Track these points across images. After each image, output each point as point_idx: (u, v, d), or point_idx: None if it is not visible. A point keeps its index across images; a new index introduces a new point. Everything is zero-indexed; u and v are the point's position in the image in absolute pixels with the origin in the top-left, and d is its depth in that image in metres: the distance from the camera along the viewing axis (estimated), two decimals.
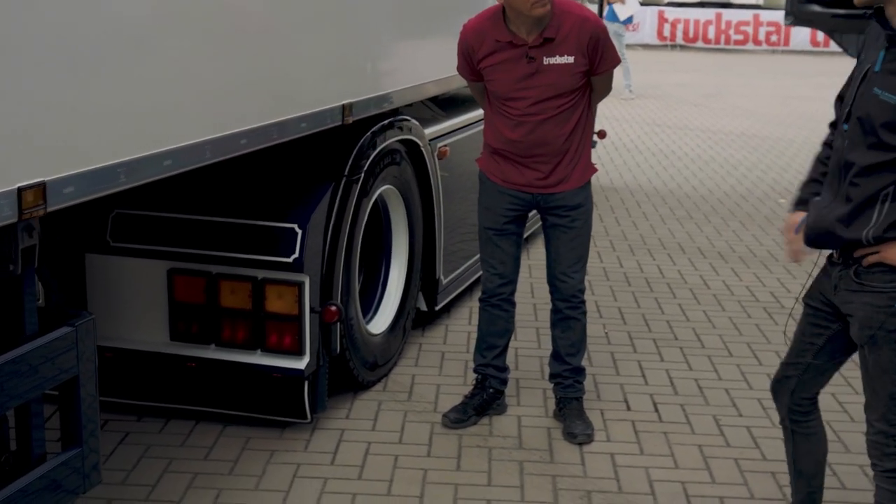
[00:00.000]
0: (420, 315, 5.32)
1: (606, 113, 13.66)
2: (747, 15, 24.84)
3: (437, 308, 5.37)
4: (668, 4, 25.35)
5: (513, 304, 4.39)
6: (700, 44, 25.02)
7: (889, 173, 2.70)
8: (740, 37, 25.02)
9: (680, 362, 5.11)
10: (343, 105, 4.04)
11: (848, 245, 2.83)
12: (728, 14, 25.05)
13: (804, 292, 3.13)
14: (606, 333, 5.49)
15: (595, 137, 9.00)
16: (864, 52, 2.83)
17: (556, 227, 4.20)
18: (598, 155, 10.45)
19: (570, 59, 3.95)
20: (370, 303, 4.86)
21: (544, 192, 4.14)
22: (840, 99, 2.95)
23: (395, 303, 4.94)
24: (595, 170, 4.29)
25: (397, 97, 4.58)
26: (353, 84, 4.18)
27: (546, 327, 4.63)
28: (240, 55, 3.36)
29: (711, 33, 25.14)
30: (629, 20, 15.59)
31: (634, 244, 7.32)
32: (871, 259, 2.80)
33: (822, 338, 3.04)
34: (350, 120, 4.09)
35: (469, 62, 4.11)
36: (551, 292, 4.34)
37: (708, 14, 25.09)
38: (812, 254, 3.07)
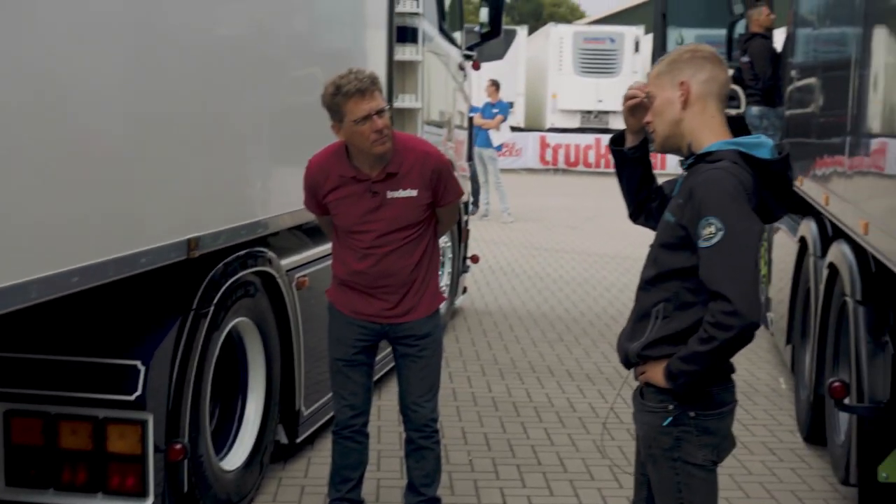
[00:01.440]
0: (281, 448, 5.23)
1: (485, 236, 13.86)
2: None
3: (298, 440, 5.29)
4: (550, 130, 26.05)
5: (366, 435, 4.35)
6: (581, 167, 25.68)
7: (660, 290, 2.88)
8: None
9: (542, 488, 5.10)
10: (189, 239, 4.01)
11: (629, 360, 2.97)
12: (607, 139, 25.55)
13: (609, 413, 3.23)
14: (471, 461, 5.46)
15: (468, 262, 9.14)
16: None
17: (406, 356, 4.21)
18: (474, 279, 10.57)
19: (414, 193, 4.03)
20: (225, 437, 4.76)
21: (393, 322, 4.15)
22: None
23: (251, 437, 4.84)
24: (443, 299, 4.33)
25: (248, 230, 4.58)
26: (200, 217, 4.17)
27: None
28: (71, 187, 3.31)
29: (592, 157, 25.85)
30: (500, 147, 16.11)
31: (504, 368, 7.36)
32: (641, 379, 2.95)
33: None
34: (196, 254, 4.06)
35: (315, 197, 4.16)
36: (404, 422, 4.32)
37: (588, 139, 25.82)
38: None
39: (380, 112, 3.91)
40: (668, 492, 2.93)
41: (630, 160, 3.16)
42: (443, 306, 8.18)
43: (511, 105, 23.16)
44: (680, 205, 2.84)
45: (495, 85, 16.11)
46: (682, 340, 2.82)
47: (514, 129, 21.31)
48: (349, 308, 4.18)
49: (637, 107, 3.05)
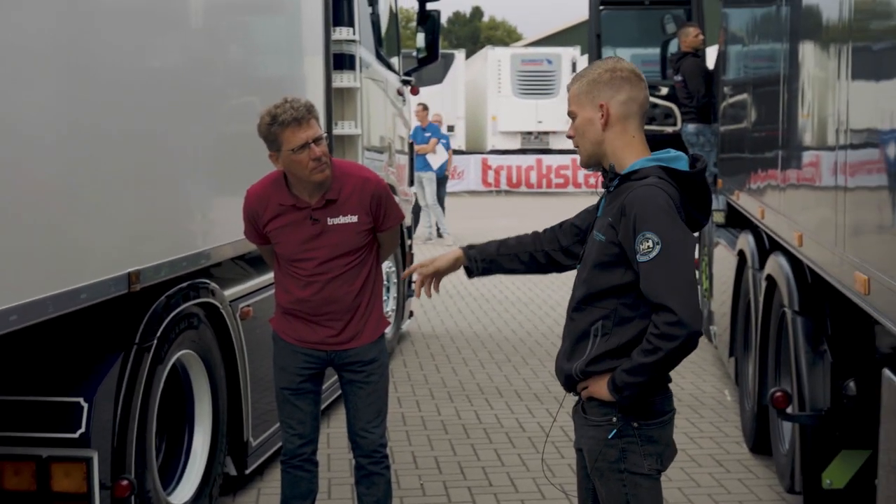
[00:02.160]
0: (230, 480, 5.19)
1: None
2: (566, 160, 25.90)
3: (247, 472, 5.25)
4: (491, 152, 26.19)
5: (315, 463, 4.33)
6: (523, 188, 25.85)
7: (597, 308, 2.94)
8: (561, 180, 26.00)
9: None
10: (129, 273, 3.98)
11: (571, 379, 3.01)
12: (548, 159, 26.05)
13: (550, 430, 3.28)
14: (422, 485, 5.46)
15: (414, 286, 9.14)
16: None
17: (353, 383, 4.21)
18: (420, 302, 10.57)
19: (354, 219, 4.05)
20: (173, 471, 4.71)
21: (338, 349, 4.15)
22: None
23: (199, 470, 4.80)
24: (388, 323, 4.34)
25: (190, 261, 4.55)
26: (140, 249, 4.14)
27: None
28: (7, 223, 3.26)
29: (534, 178, 26.04)
30: (442, 169, 16.25)
31: (453, 390, 7.37)
32: (584, 394, 3.00)
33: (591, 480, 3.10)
34: (138, 287, 4.03)
35: (255, 227, 4.16)
36: (353, 449, 4.31)
37: (529, 160, 26.03)
38: None
39: (317, 140, 3.93)
40: None
41: (490, 270, 3.35)
42: (389, 331, 8.20)
43: (451, 129, 23.28)
44: (610, 223, 2.91)
45: (425, 109, 16.21)
46: (625, 354, 2.89)
47: (455, 152, 21.43)
48: (293, 336, 4.17)
49: (432, 274, 3.36)
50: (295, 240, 4.06)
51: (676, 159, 2.95)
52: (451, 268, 3.38)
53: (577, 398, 3.09)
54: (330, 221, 4.04)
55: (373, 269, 4.18)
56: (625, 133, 2.97)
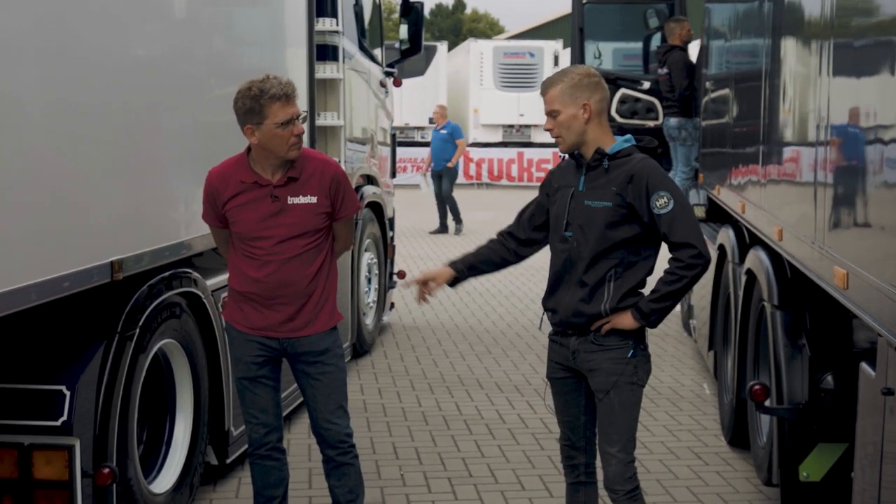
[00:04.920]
0: (211, 469, 5.19)
1: (411, 252, 13.90)
2: (547, 153, 25.93)
3: (228, 461, 5.26)
4: (473, 145, 26.17)
5: (283, 451, 4.34)
6: (505, 181, 25.88)
7: (608, 260, 3.71)
8: (542, 174, 26.01)
9: (474, 500, 5.14)
10: (112, 262, 3.98)
11: (594, 317, 3.72)
12: (529, 153, 26.07)
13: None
14: (402, 475, 5.48)
15: (395, 277, 9.15)
16: (557, 182, 3.86)
17: (307, 375, 4.21)
18: (401, 294, 10.59)
19: (314, 200, 4.08)
20: (154, 460, 4.72)
21: (290, 337, 4.14)
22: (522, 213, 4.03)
23: (181, 459, 4.81)
24: (341, 317, 4.31)
25: (172, 251, 4.55)
26: (123, 239, 4.14)
27: None
28: None
29: (515, 171, 26.09)
30: None
31: (434, 382, 7.39)
32: (606, 328, 3.72)
33: (581, 393, 3.86)
34: (120, 276, 4.04)
35: (214, 207, 4.16)
36: (319, 443, 4.31)
37: (510, 153, 26.05)
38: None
39: (300, 117, 4.00)
40: (626, 411, 3.75)
41: (470, 276, 4.05)
42: (370, 322, 8.23)
43: (432, 121, 23.15)
44: (614, 192, 3.65)
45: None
46: (638, 290, 3.74)
47: None
48: (244, 324, 4.17)
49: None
50: (254, 217, 4.07)
51: (631, 139, 3.77)
52: (442, 277, 4.04)
53: (569, 335, 3.79)
54: (290, 200, 4.06)
55: (328, 257, 4.18)
56: (601, 124, 3.74)
